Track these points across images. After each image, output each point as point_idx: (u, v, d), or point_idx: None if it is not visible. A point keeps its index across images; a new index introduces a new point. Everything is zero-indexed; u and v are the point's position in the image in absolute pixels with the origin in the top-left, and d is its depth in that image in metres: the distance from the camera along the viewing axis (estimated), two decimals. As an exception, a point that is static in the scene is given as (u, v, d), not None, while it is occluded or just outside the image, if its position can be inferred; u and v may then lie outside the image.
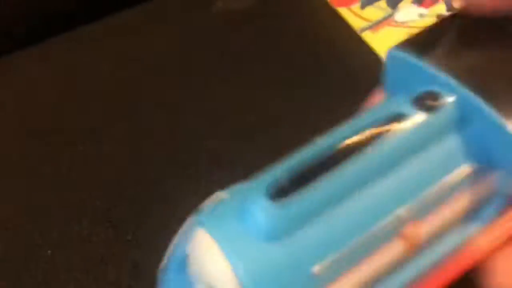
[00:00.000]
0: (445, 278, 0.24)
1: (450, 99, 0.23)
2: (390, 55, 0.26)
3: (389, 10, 0.49)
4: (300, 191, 0.21)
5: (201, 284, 0.23)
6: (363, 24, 0.48)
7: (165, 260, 0.26)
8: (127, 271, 0.35)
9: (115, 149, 0.43)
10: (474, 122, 0.23)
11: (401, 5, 0.49)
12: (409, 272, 0.23)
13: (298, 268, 0.22)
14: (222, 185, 0.26)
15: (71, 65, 0.50)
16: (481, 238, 0.24)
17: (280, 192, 0.21)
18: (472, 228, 0.24)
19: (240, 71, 0.47)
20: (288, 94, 0.44)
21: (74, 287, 0.36)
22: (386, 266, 0.23)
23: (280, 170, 0.23)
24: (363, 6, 0.50)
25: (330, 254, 0.22)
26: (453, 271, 0.24)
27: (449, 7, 0.48)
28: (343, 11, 0.50)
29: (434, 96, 0.24)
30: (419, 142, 0.23)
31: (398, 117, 0.24)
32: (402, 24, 0.48)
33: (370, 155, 0.22)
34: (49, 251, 0.37)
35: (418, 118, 0.23)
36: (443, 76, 0.24)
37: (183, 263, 0.25)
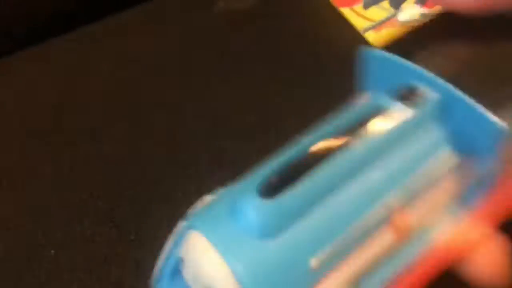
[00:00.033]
0: (432, 266, 0.24)
1: (431, 92, 0.24)
2: (368, 54, 0.27)
3: (392, 10, 0.49)
4: (290, 187, 0.22)
5: (198, 287, 0.23)
6: (366, 24, 0.48)
7: (157, 269, 0.26)
8: (130, 271, 0.35)
9: (115, 149, 0.43)
10: (456, 112, 0.24)
11: (404, 5, 0.49)
12: (399, 260, 0.24)
13: (296, 263, 0.22)
14: (222, 185, 0.26)
15: (71, 65, 0.50)
16: (464, 224, 0.25)
17: (270, 190, 0.22)
18: (457, 215, 0.25)
19: (240, 71, 0.47)
20: (289, 94, 0.44)
21: (77, 287, 0.35)
22: (378, 255, 0.23)
23: (268, 168, 0.23)
24: (366, 7, 0.50)
25: (325, 246, 0.22)
26: (439, 258, 0.25)
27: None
28: (346, 11, 0.50)
29: (416, 90, 0.25)
30: (404, 134, 0.24)
31: (383, 112, 0.25)
32: (405, 24, 0.48)
33: (357, 148, 0.23)
34: (52, 251, 0.37)
35: (401, 111, 0.24)
36: (423, 71, 0.25)
37: (176, 268, 0.25)
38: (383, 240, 0.23)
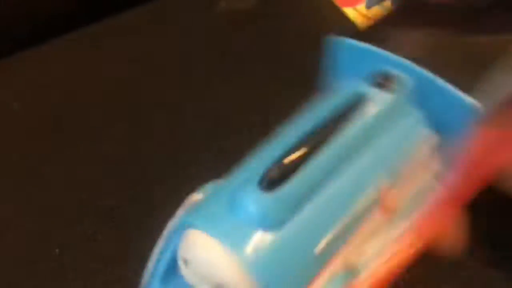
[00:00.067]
0: (416, 241, 0.26)
1: (405, 77, 0.26)
2: (337, 42, 0.29)
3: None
4: (289, 179, 0.22)
5: (205, 286, 0.23)
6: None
7: (147, 272, 0.26)
8: (134, 270, 0.35)
9: (115, 149, 0.43)
10: (429, 95, 0.26)
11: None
12: (389, 237, 0.25)
13: (303, 251, 0.22)
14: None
15: (72, 66, 0.50)
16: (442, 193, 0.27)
17: (270, 182, 0.22)
18: (435, 190, 0.26)
19: (241, 71, 0.47)
20: (289, 94, 0.44)
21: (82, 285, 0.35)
22: (372, 235, 0.24)
23: (263, 160, 0.23)
24: (368, 6, 0.50)
25: (328, 231, 0.23)
26: (421, 233, 0.27)
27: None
28: (349, 11, 0.50)
29: (391, 76, 0.26)
30: (386, 119, 0.25)
31: (362, 99, 0.25)
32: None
33: (346, 135, 0.24)
34: (57, 250, 0.37)
35: (380, 97, 0.26)
36: (395, 57, 0.26)
37: (170, 270, 0.25)
38: (375, 220, 0.24)
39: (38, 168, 0.42)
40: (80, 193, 0.40)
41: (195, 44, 0.50)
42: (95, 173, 0.41)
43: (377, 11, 0.49)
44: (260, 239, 0.22)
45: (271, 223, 0.22)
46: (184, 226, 0.23)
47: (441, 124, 0.26)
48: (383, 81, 0.26)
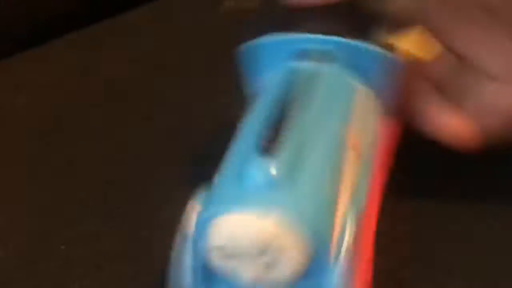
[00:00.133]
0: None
1: (328, 48, 0.31)
2: (250, 46, 0.33)
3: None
4: (280, 143, 0.25)
5: (246, 260, 0.23)
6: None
7: (178, 279, 0.26)
8: (138, 268, 0.35)
9: (115, 149, 0.43)
10: (354, 58, 0.31)
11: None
12: (366, 169, 0.30)
13: (321, 193, 0.26)
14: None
15: (71, 66, 0.50)
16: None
17: (265, 148, 0.25)
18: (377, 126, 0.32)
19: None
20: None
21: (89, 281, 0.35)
22: (353, 175, 0.28)
23: (250, 138, 0.26)
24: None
25: (333, 177, 0.27)
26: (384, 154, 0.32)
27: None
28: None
29: (317, 51, 0.31)
30: (331, 85, 0.31)
31: (304, 74, 0.30)
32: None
33: (308, 100, 0.29)
34: (62, 246, 0.37)
35: (319, 69, 0.31)
36: (312, 35, 0.31)
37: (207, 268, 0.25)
38: (352, 161, 0.29)
39: (38, 168, 0.42)
40: (80, 193, 0.40)
41: (196, 44, 0.50)
42: (95, 173, 0.41)
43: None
44: (282, 195, 0.24)
45: (282, 181, 0.24)
46: (205, 222, 0.24)
47: (371, 79, 0.31)
48: (313, 57, 0.31)
